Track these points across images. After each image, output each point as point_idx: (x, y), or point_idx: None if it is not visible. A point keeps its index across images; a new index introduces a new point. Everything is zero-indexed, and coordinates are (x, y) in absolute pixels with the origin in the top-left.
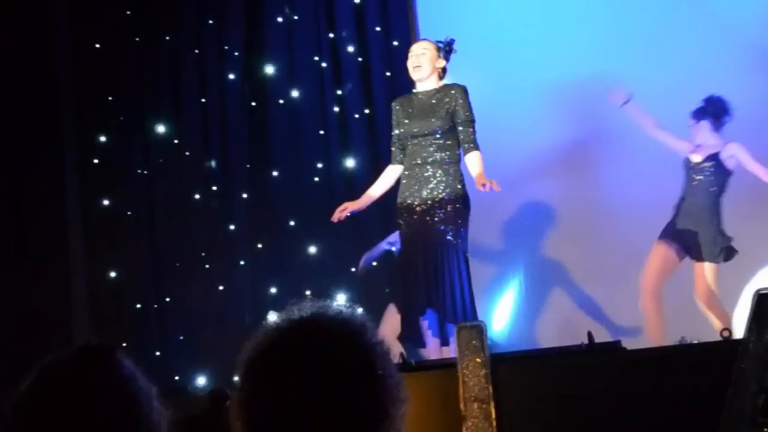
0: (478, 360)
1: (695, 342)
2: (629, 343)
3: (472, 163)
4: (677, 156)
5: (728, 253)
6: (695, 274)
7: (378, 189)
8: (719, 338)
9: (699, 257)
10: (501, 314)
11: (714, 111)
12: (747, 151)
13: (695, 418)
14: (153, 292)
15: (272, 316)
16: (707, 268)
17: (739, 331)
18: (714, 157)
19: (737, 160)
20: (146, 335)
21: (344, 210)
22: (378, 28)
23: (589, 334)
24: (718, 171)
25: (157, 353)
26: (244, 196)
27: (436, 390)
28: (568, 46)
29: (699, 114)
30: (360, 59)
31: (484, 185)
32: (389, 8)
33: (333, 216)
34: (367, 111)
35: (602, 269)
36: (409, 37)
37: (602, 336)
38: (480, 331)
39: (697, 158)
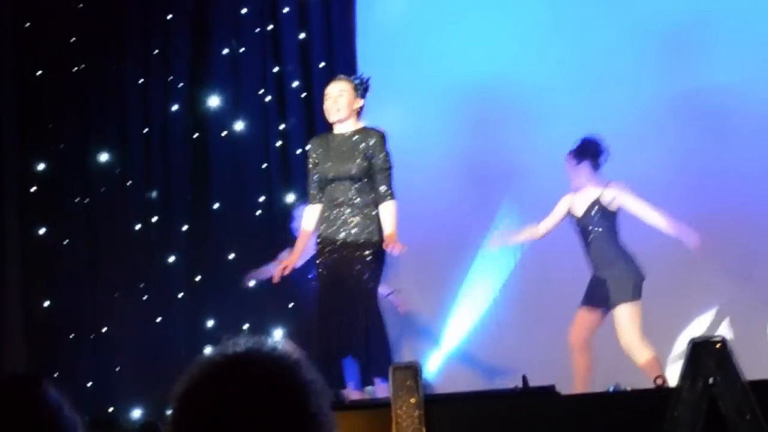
0: (413, 401)
1: (629, 389)
2: (566, 388)
3: (385, 214)
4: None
5: (638, 289)
6: (615, 322)
7: (308, 229)
8: (653, 386)
9: (613, 304)
10: (436, 354)
11: (593, 151)
12: (629, 192)
13: None
14: (89, 321)
15: (207, 350)
16: (623, 312)
17: (673, 379)
18: (596, 204)
19: (619, 202)
20: (80, 365)
21: (286, 268)
22: (323, 64)
23: (524, 378)
24: (604, 217)
25: (90, 384)
26: (185, 227)
27: (369, 430)
28: (510, 83)
29: (578, 155)
30: (304, 94)
31: (389, 245)
32: (334, 44)
33: (275, 276)
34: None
35: (540, 313)
36: (355, 71)
37: (541, 380)
38: (415, 371)
39: (579, 212)
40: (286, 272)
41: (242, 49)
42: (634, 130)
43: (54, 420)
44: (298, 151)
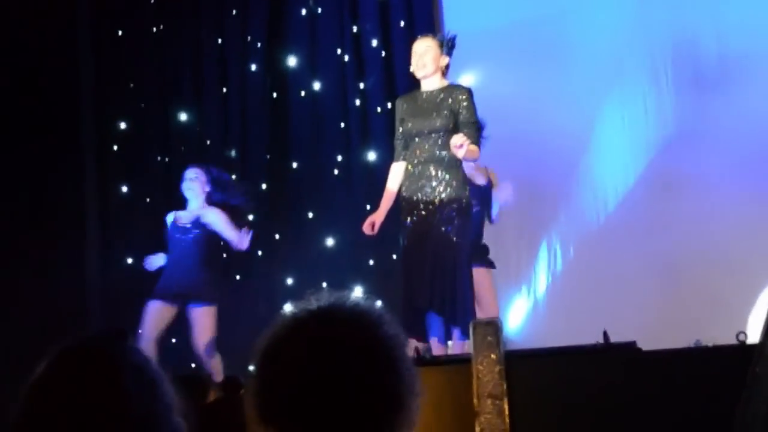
0: (493, 356)
1: (710, 345)
2: (647, 345)
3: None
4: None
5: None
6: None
7: (393, 188)
8: (735, 342)
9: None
10: (517, 311)
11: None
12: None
13: (709, 420)
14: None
15: (289, 307)
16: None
17: (754, 336)
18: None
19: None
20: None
21: (373, 225)
22: (402, 23)
23: (605, 334)
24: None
25: (173, 340)
26: (264, 186)
27: (450, 385)
28: (590, 42)
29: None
30: (383, 53)
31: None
32: (413, 2)
33: (365, 229)
34: (389, 105)
35: (620, 270)
36: (434, 32)
37: (619, 336)
38: (495, 327)
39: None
40: (375, 230)
41: (319, 9)
42: None
43: (141, 374)
44: (378, 110)
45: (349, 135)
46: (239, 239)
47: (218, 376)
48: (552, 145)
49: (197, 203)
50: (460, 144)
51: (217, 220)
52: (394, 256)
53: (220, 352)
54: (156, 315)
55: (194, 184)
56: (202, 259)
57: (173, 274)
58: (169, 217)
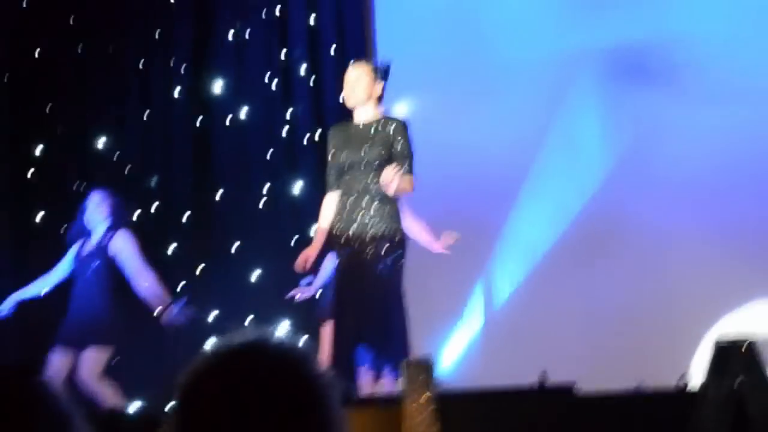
0: (426, 397)
1: (651, 388)
2: (586, 385)
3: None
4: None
5: None
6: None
7: (326, 220)
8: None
9: None
10: (451, 349)
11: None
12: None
13: None
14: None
15: (211, 343)
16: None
17: (696, 381)
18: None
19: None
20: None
21: (306, 259)
22: (333, 48)
23: (542, 375)
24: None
25: None
26: (186, 216)
27: (380, 427)
28: (525, 70)
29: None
30: (312, 79)
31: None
32: (345, 28)
33: (297, 266)
34: (317, 134)
35: (560, 310)
36: (366, 58)
37: (559, 377)
38: (428, 367)
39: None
40: (308, 266)
41: (247, 33)
42: None
43: (50, 414)
44: (305, 139)
45: (276, 164)
46: (162, 303)
47: (116, 399)
48: (489, 178)
49: (101, 230)
50: (390, 179)
51: (126, 247)
52: (318, 293)
53: (138, 388)
54: (59, 365)
55: (101, 209)
56: (109, 291)
57: (75, 310)
58: (73, 250)
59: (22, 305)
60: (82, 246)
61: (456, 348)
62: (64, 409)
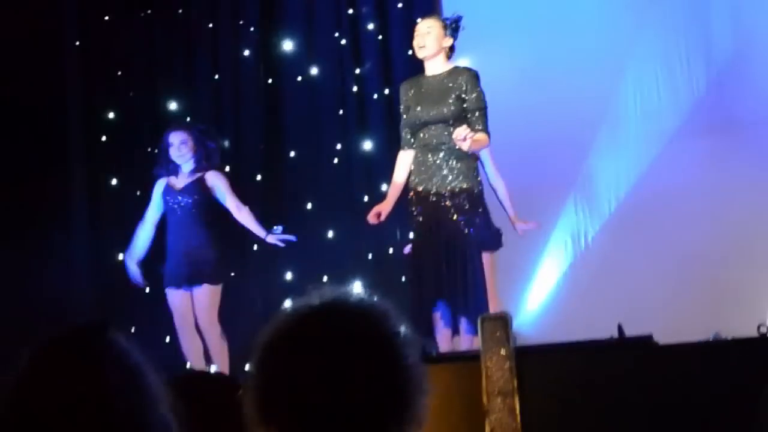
0: (503, 352)
1: (730, 338)
2: (662, 338)
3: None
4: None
5: None
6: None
7: (400, 177)
8: (756, 334)
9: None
10: (528, 304)
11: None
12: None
13: (729, 416)
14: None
15: (289, 303)
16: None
17: None
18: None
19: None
20: (155, 320)
21: (378, 215)
22: (400, 5)
23: (620, 327)
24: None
25: (167, 338)
26: (259, 177)
27: (459, 383)
28: (592, 30)
29: None
30: (380, 37)
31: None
32: None
33: (370, 218)
34: (386, 91)
35: (636, 261)
36: (433, 13)
37: (635, 329)
38: (505, 322)
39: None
40: (381, 219)
41: None
42: None
43: (123, 366)
44: (375, 96)
45: (346, 122)
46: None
47: (224, 367)
48: (561, 130)
49: (189, 168)
50: (463, 137)
51: (221, 184)
52: (391, 250)
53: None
54: (181, 304)
55: (185, 148)
56: (206, 227)
57: (177, 249)
58: (159, 187)
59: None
60: (167, 186)
61: (533, 302)
62: (135, 364)
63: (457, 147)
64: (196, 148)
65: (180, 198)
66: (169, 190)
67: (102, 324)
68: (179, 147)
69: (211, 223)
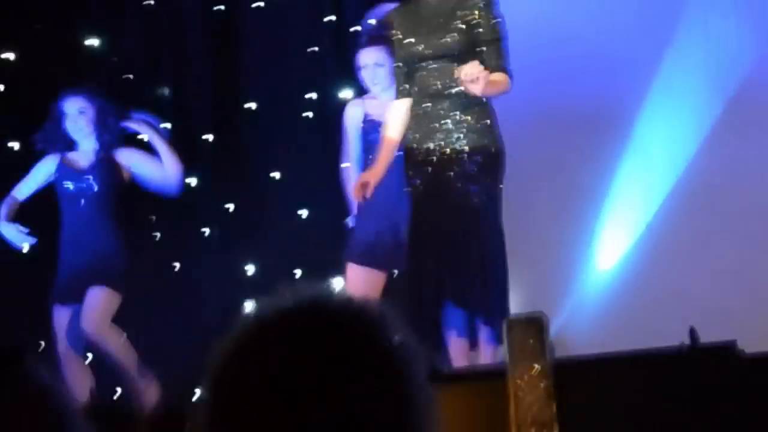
0: (538, 367)
1: None
2: (748, 345)
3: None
4: None
5: None
6: None
7: (393, 135)
8: None
9: None
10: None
11: None
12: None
13: None
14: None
15: (251, 305)
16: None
17: None
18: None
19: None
20: None
21: (365, 186)
22: None
23: (692, 331)
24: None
25: (88, 356)
26: (209, 137)
27: (479, 408)
28: None
29: None
30: None
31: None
32: None
33: (354, 193)
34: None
35: (714, 250)
36: None
37: (711, 335)
38: (539, 326)
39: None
40: (368, 194)
41: None
42: None
43: (40, 406)
44: (358, 28)
45: (322, 64)
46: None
47: (151, 400)
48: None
49: (90, 145)
50: (474, 77)
51: (137, 156)
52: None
53: (153, 367)
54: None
55: (83, 120)
56: (117, 226)
57: (75, 255)
58: (49, 164)
59: None
60: (62, 164)
61: (577, 298)
62: (55, 403)
63: (465, 92)
64: (97, 120)
65: (84, 181)
66: (65, 169)
67: (14, 352)
68: (76, 118)
69: (123, 219)
